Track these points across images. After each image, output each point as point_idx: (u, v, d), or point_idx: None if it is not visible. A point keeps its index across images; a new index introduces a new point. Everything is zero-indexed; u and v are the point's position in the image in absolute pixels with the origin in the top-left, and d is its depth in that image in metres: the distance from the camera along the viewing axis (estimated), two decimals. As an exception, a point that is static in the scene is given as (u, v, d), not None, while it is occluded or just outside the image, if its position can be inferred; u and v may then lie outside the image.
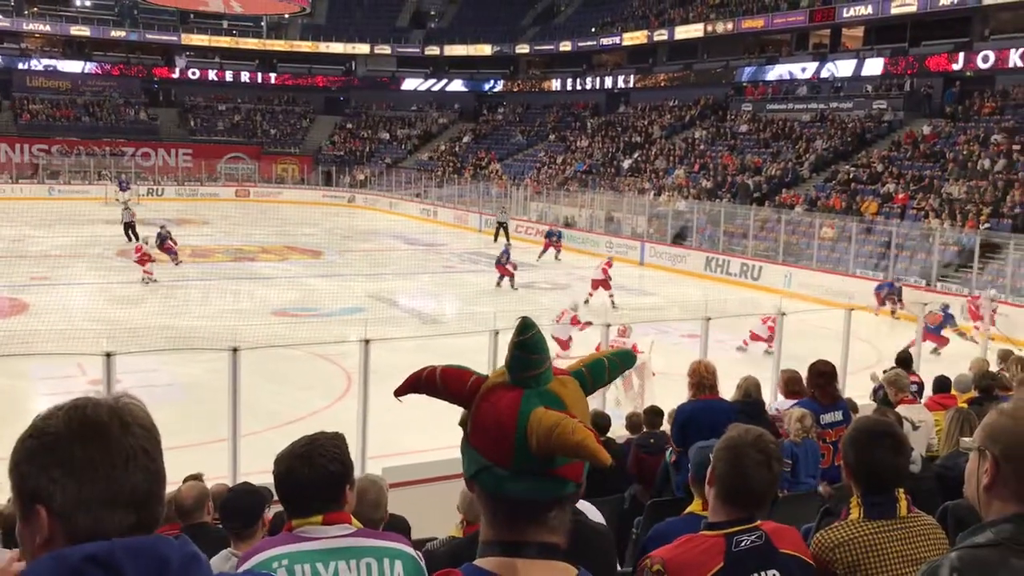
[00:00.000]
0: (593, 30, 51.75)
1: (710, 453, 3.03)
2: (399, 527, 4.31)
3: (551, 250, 29.12)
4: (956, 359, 11.00)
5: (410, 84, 58.94)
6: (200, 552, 1.30)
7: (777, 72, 40.72)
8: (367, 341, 8.51)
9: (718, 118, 41.78)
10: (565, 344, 14.25)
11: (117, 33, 55.03)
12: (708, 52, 45.21)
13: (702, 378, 6.03)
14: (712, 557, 2.40)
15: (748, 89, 41.87)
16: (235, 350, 7.99)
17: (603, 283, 21.29)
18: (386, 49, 58.46)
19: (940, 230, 23.77)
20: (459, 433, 1.44)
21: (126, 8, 56.55)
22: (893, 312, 19.69)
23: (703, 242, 28.96)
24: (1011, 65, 30.87)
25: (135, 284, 21.67)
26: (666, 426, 7.12)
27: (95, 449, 1.24)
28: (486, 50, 56.47)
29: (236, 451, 7.95)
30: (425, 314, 20.24)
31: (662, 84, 46.96)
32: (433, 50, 57.92)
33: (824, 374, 6.50)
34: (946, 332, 16.88)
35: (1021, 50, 30.41)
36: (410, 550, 2.50)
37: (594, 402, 9.18)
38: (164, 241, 25.06)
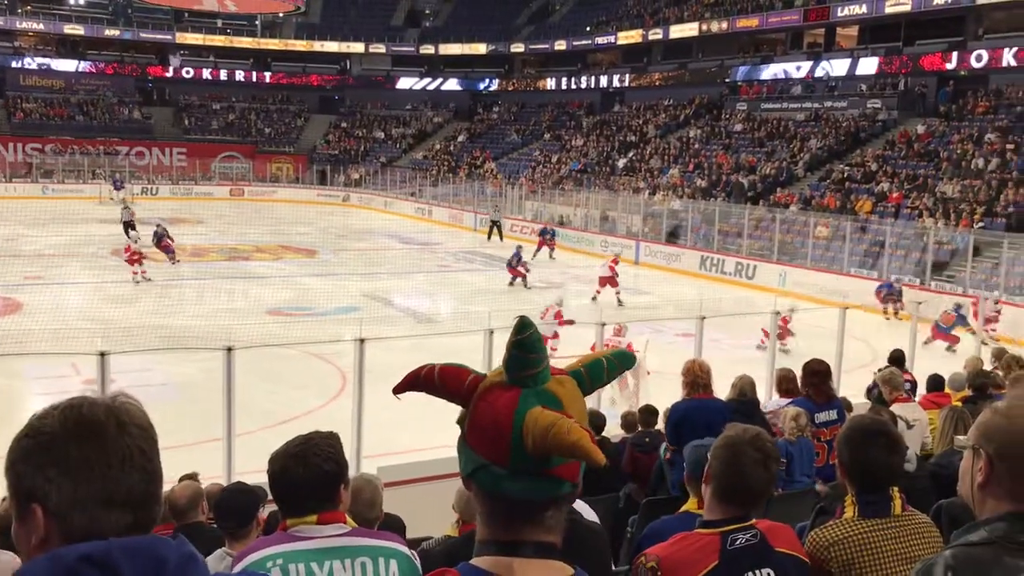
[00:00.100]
0: (588, 29, 51.75)
1: (705, 452, 3.04)
2: (394, 526, 4.31)
3: (545, 248, 29.14)
4: (949, 357, 11.03)
5: (405, 83, 58.89)
6: (197, 552, 1.29)
7: (772, 71, 40.77)
8: (362, 340, 8.50)
9: (713, 117, 41.82)
10: (544, 340, 14.24)
11: (111, 32, 54.92)
12: (703, 51, 45.24)
13: (696, 377, 6.04)
14: (707, 555, 2.40)
15: (743, 88, 41.92)
16: (229, 349, 7.98)
17: (610, 280, 21.43)
18: (381, 48, 58.41)
19: (934, 229, 23.82)
20: (454, 432, 1.44)
21: (120, 7, 56.46)
22: (896, 312, 19.70)
23: (698, 241, 28.99)
24: (1005, 64, 30.94)
25: (129, 283, 21.63)
26: (661, 425, 7.12)
27: (91, 449, 1.24)
28: (481, 49, 56.44)
29: (230, 450, 7.94)
30: (420, 313, 20.23)
31: (657, 83, 46.98)
32: (428, 49, 57.89)
33: (818, 373, 6.51)
34: (956, 331, 17.01)
35: (1015, 49, 30.49)
36: (405, 549, 2.50)
37: (589, 401, 9.13)
38: (161, 239, 25.03)
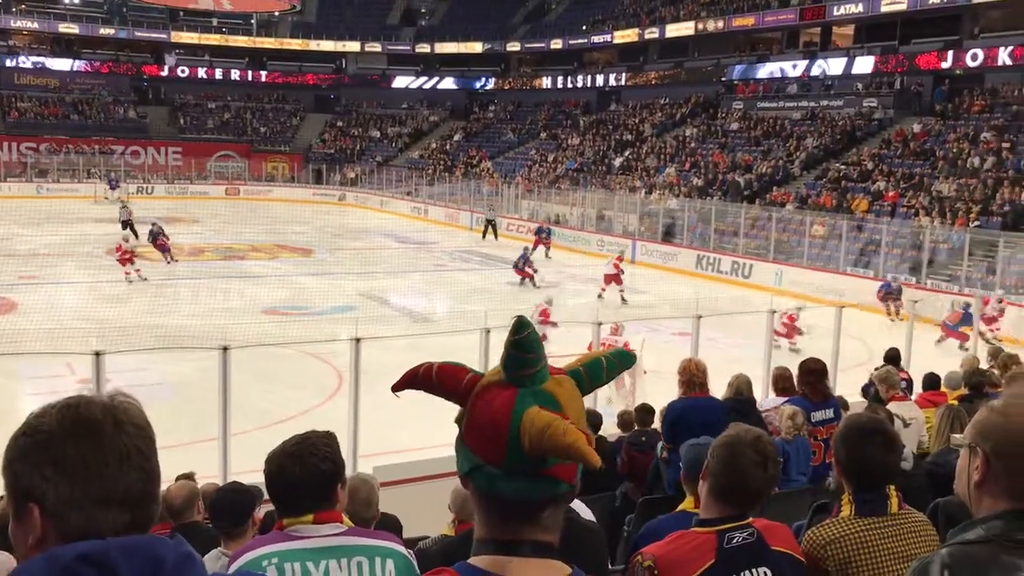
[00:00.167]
0: (584, 28, 51.75)
1: (701, 451, 3.04)
2: (390, 526, 4.31)
3: (541, 247, 29.14)
4: (945, 356, 11.05)
5: (401, 82, 58.86)
6: (195, 552, 1.29)
7: (768, 70, 40.81)
8: (358, 340, 8.50)
9: (709, 116, 41.85)
10: None
11: (106, 31, 54.81)
12: (699, 50, 45.26)
13: (692, 376, 6.04)
14: (703, 554, 2.40)
15: (739, 87, 41.94)
16: (225, 349, 7.97)
17: (615, 278, 21.53)
18: (376, 47, 58.36)
19: (930, 228, 23.86)
20: (450, 432, 1.43)
21: (115, 5, 56.35)
22: (898, 312, 19.70)
23: (694, 240, 29.01)
24: (1000, 63, 31.01)
25: (124, 283, 21.60)
26: (657, 424, 7.13)
27: (88, 447, 1.23)
28: (477, 48, 56.42)
29: (226, 450, 7.93)
30: (416, 312, 20.23)
31: (653, 82, 47.00)
32: (424, 48, 57.87)
33: (814, 372, 6.52)
34: (964, 329, 17.06)
35: (1010, 48, 30.55)
36: (402, 549, 2.50)
37: (586, 400, 9.16)
38: (156, 238, 25.02)
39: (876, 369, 8.32)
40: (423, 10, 62.40)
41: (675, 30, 45.02)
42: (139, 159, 50.64)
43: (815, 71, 38.37)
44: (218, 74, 57.65)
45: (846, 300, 14.82)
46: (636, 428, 7.60)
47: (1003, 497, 1.61)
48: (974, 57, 31.96)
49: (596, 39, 50.22)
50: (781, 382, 7.41)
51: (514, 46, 55.57)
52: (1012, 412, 1.64)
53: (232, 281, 22.70)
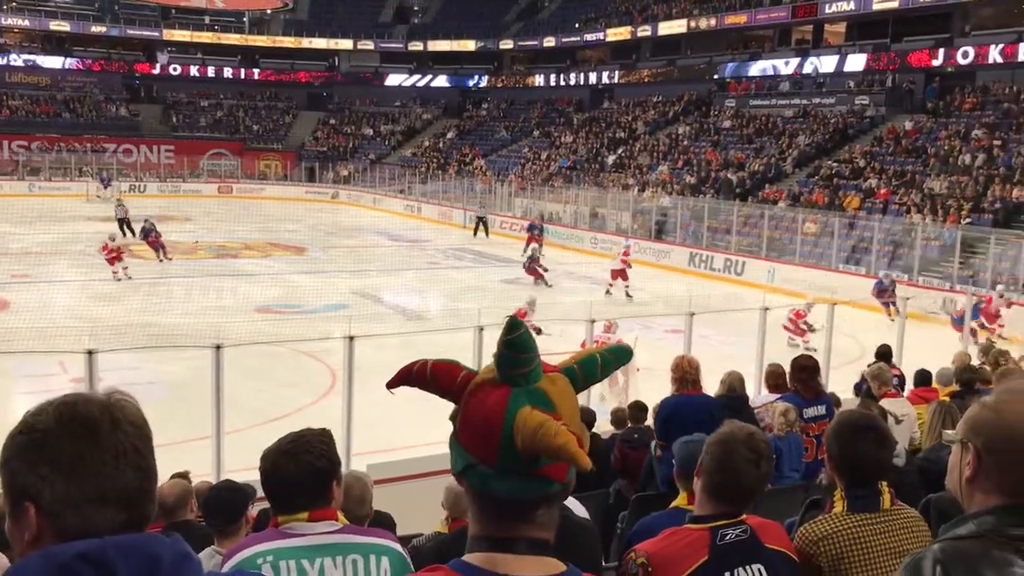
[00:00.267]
0: (577, 26, 51.74)
1: (694, 447, 3.04)
2: (384, 523, 4.30)
3: (533, 244, 29.13)
4: (937, 353, 11.07)
5: (394, 80, 58.79)
6: (192, 551, 1.29)
7: (760, 68, 40.87)
8: (351, 338, 8.49)
9: (701, 114, 41.89)
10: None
11: (98, 28, 54.63)
12: (691, 48, 45.31)
13: (685, 373, 6.05)
14: (696, 550, 2.40)
15: (731, 85, 42.00)
16: (218, 347, 7.96)
17: (621, 273, 21.63)
18: (369, 44, 58.26)
19: (922, 225, 23.93)
20: (443, 429, 1.43)
21: (106, 3, 56.14)
22: (898, 310, 19.67)
23: (687, 238, 29.05)
24: (991, 61, 31.10)
25: (117, 281, 21.53)
26: (650, 421, 7.14)
27: (85, 446, 1.23)
28: (470, 45, 56.37)
29: (219, 448, 7.93)
30: (410, 310, 20.21)
31: (646, 80, 47.03)
32: (416, 45, 57.81)
33: (807, 368, 6.53)
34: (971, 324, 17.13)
35: (1001, 46, 30.65)
36: (396, 546, 2.50)
37: (580, 397, 9.16)
38: (148, 235, 24.95)
39: (868, 366, 8.34)
40: (416, 8, 62.34)
41: (668, 28, 45.05)
42: (131, 157, 50.49)
43: (807, 69, 38.43)
44: (210, 72, 57.50)
45: (838, 297, 14.85)
46: (629, 425, 7.61)
47: (994, 493, 1.61)
48: (965, 55, 32.04)
49: (589, 37, 50.22)
50: (773, 379, 7.43)
51: (507, 44, 55.54)
52: (1003, 408, 1.65)
53: (225, 279, 22.64)
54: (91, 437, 1.24)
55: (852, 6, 35.78)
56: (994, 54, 30.88)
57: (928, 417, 5.83)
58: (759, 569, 2.44)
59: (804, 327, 16.22)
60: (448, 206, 40.00)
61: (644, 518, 3.33)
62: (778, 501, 4.93)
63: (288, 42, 58.03)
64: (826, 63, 37.74)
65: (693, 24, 43.43)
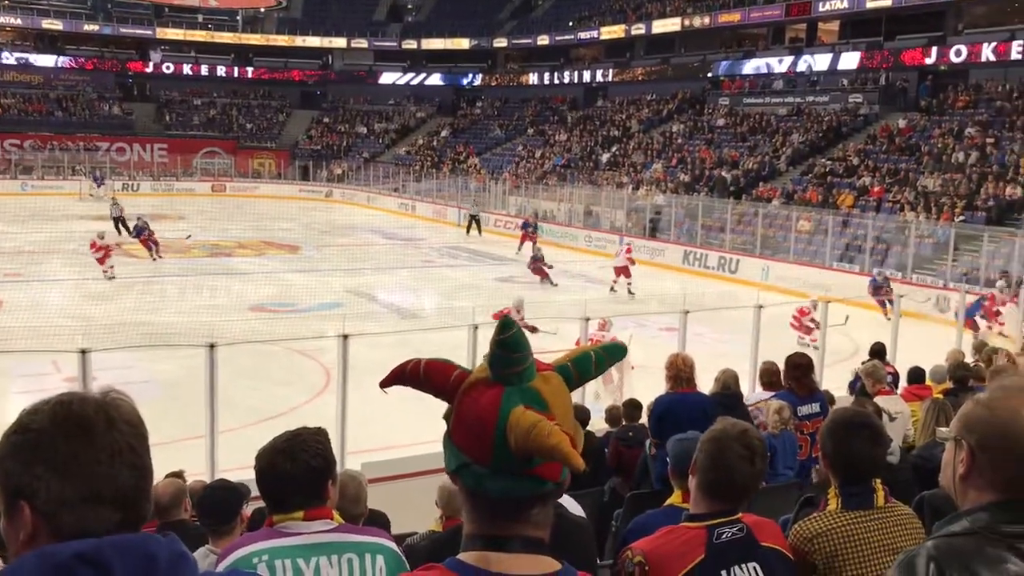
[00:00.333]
0: (571, 24, 51.75)
1: (688, 445, 3.05)
2: (379, 522, 4.30)
3: (527, 242, 29.16)
4: (930, 350, 11.10)
5: (387, 78, 58.73)
6: (187, 550, 1.29)
7: (753, 66, 40.91)
8: (346, 336, 8.48)
9: (695, 112, 41.93)
10: None
11: (90, 27, 54.45)
12: (685, 46, 45.33)
13: (679, 371, 6.05)
14: (693, 549, 2.41)
15: (725, 83, 42.05)
16: (212, 346, 7.95)
17: (624, 270, 21.72)
18: (363, 43, 58.18)
19: (915, 223, 23.98)
20: (437, 428, 1.43)
21: (99, 1, 55.98)
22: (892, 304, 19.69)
23: (681, 236, 29.07)
24: (984, 59, 31.19)
25: (110, 280, 21.48)
26: (645, 419, 7.14)
27: (79, 445, 1.23)
28: (464, 44, 56.33)
29: (213, 447, 7.91)
30: (404, 309, 20.20)
31: (640, 78, 47.05)
32: (410, 44, 57.74)
33: (800, 366, 6.55)
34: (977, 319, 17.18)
35: (993, 44, 30.74)
36: (391, 544, 2.50)
37: (574, 395, 9.15)
38: (141, 232, 24.90)
39: (862, 363, 8.36)
40: (409, 6, 62.28)
41: (661, 26, 45.08)
42: (125, 156, 50.37)
43: (801, 67, 38.48)
44: (204, 70, 57.36)
45: (832, 295, 14.89)
46: (624, 423, 7.62)
47: (988, 489, 1.62)
48: (958, 53, 32.13)
49: (583, 35, 50.22)
50: (767, 376, 7.44)
51: (501, 42, 55.51)
52: (997, 405, 1.66)
53: (218, 278, 22.60)
54: (86, 436, 1.23)
55: (845, 4, 35.84)
56: (987, 52, 30.96)
57: (922, 414, 5.85)
58: (755, 567, 2.44)
59: (811, 324, 16.22)
60: (442, 204, 39.98)
61: (639, 516, 3.33)
62: (772, 499, 4.95)
63: (282, 40, 57.93)
64: (820, 61, 37.79)
65: (687, 22, 43.46)
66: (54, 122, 50.92)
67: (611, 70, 48.57)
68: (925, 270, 22.55)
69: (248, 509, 4.14)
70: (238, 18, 58.72)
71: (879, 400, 6.72)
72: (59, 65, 54.10)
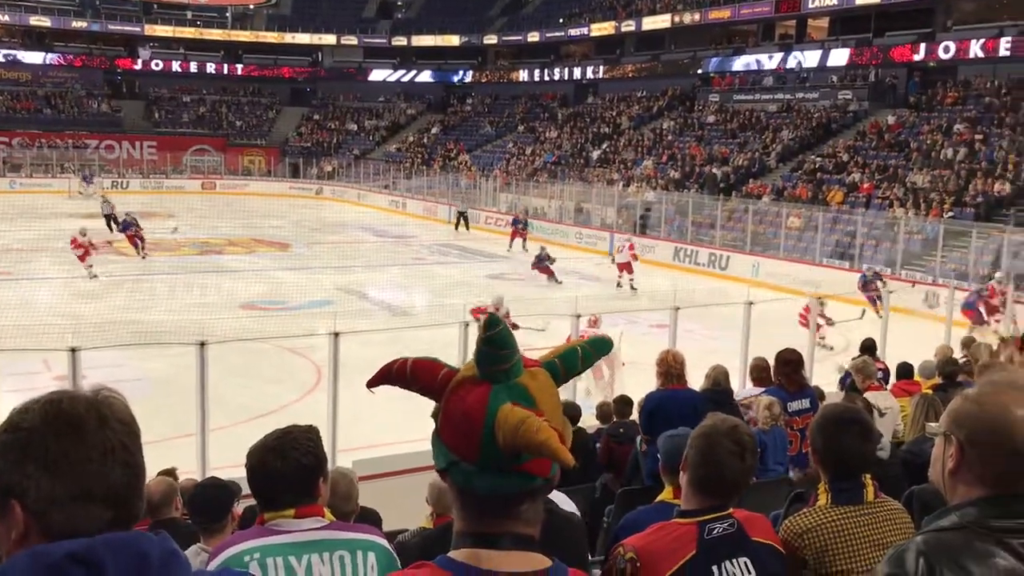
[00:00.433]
0: (561, 21, 51.74)
1: (678, 441, 3.05)
2: (370, 519, 4.30)
3: (518, 239, 29.23)
4: (920, 347, 11.16)
5: (378, 75, 58.62)
6: (180, 549, 1.29)
7: (743, 62, 40.97)
8: (336, 334, 8.47)
9: (686, 109, 41.97)
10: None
11: (78, 24, 54.14)
12: (675, 43, 45.37)
13: (670, 367, 6.07)
14: (684, 544, 2.41)
15: (715, 80, 42.10)
16: (203, 344, 7.93)
17: (627, 266, 22.01)
18: (353, 40, 58.05)
19: (905, 219, 24.05)
20: (428, 426, 1.43)
21: (87, -2, 55.75)
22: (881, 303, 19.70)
23: (671, 232, 29.11)
24: (972, 56, 31.30)
25: (100, 278, 21.39)
26: (636, 415, 7.16)
27: (71, 443, 1.22)
28: (454, 41, 56.27)
29: (204, 445, 7.90)
30: (395, 306, 20.17)
31: (630, 75, 47.08)
32: (400, 41, 57.63)
33: (790, 362, 6.57)
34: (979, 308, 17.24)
35: (982, 41, 30.84)
36: (383, 542, 2.50)
37: (565, 392, 9.15)
38: (128, 228, 24.79)
39: (852, 359, 8.39)
40: (399, 3, 62.14)
41: (651, 23, 45.10)
42: (113, 153, 50.15)
43: (790, 63, 38.56)
44: (193, 67, 57.16)
45: (822, 291, 14.93)
46: (615, 420, 7.63)
47: (977, 484, 1.63)
48: (947, 50, 32.24)
49: (573, 32, 50.22)
50: (757, 372, 7.47)
51: (491, 39, 55.46)
52: (985, 400, 1.66)
53: (209, 276, 22.54)
54: (76, 435, 1.23)
55: (835, 1, 35.92)
56: (975, 49, 31.07)
57: (911, 410, 5.88)
58: (746, 562, 2.45)
59: (820, 322, 16.25)
60: (433, 201, 39.94)
61: (630, 512, 3.34)
62: (763, 494, 4.96)
63: (271, 37, 57.75)
64: (809, 58, 37.87)
65: (677, 19, 43.49)
66: (42, 119, 50.65)
67: (601, 67, 48.58)
68: (914, 266, 22.63)
69: (239, 507, 4.14)
70: (227, 15, 58.49)
71: (869, 396, 6.75)
72: (47, 62, 53.81)
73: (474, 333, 8.77)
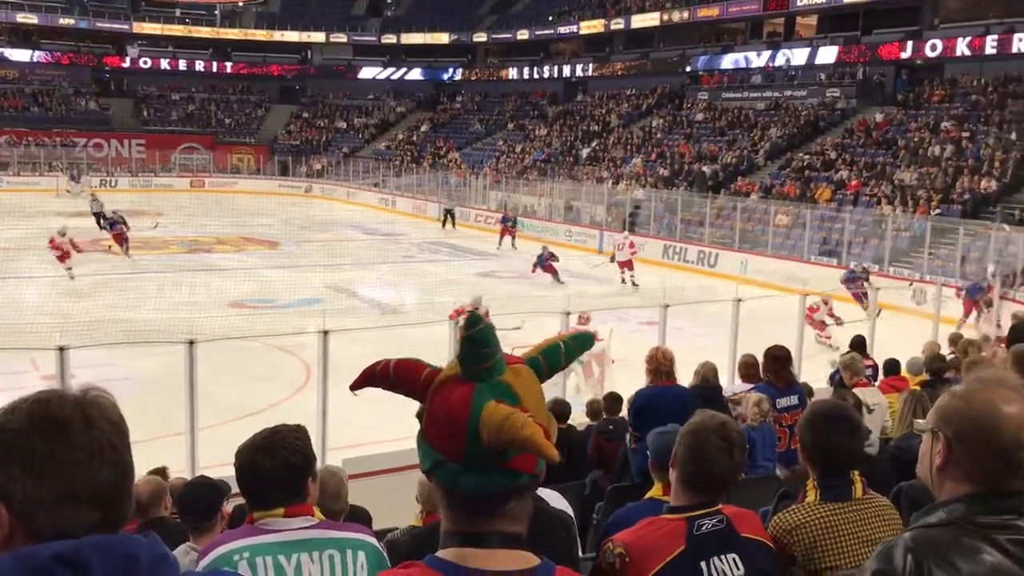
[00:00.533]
0: (550, 19, 51.73)
1: (667, 438, 3.06)
2: (360, 518, 4.30)
3: (507, 237, 29.24)
4: (909, 343, 11.21)
5: (367, 73, 58.49)
6: (169, 551, 1.28)
7: (732, 60, 41.03)
8: (326, 332, 8.46)
9: (674, 106, 42.03)
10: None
11: (66, 21, 53.82)
12: (664, 41, 45.41)
13: (659, 364, 6.07)
14: (673, 540, 2.42)
15: (704, 78, 42.16)
16: (191, 343, 7.91)
17: (628, 263, 22.30)
18: (342, 37, 57.91)
19: (892, 216, 24.15)
20: (416, 423, 1.43)
21: (75, -5, 55.45)
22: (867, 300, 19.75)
23: (660, 230, 29.16)
24: (959, 53, 31.43)
25: (88, 277, 21.30)
26: (626, 412, 7.17)
27: (57, 444, 1.21)
28: (443, 38, 56.19)
29: (194, 444, 7.88)
30: (385, 304, 20.14)
31: (619, 73, 47.11)
32: (390, 38, 57.51)
33: (779, 359, 6.58)
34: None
35: (968, 39, 30.97)
36: (372, 540, 2.50)
37: (555, 389, 9.21)
38: (114, 226, 24.65)
39: (841, 355, 8.43)
40: (389, 1, 62.01)
41: (640, 21, 45.14)
42: (102, 152, 49.90)
43: (779, 61, 38.65)
44: (182, 65, 56.91)
45: (810, 288, 14.97)
46: (605, 416, 7.64)
47: (964, 481, 1.63)
48: (933, 48, 32.37)
49: (562, 30, 50.22)
50: (746, 369, 7.49)
51: (481, 37, 55.41)
52: (973, 397, 1.67)
53: (198, 274, 22.45)
54: (63, 435, 1.22)
55: (823, -1, 36.05)
56: (962, 47, 31.20)
57: (899, 406, 5.90)
58: (734, 558, 2.46)
59: (829, 321, 16.29)
60: (423, 199, 39.89)
61: (620, 509, 3.34)
62: (752, 490, 4.97)
63: (260, 35, 57.56)
64: (797, 56, 37.96)
65: (666, 17, 43.54)
66: (30, 117, 50.35)
67: (591, 65, 48.60)
68: (901, 263, 22.73)
69: (229, 506, 4.13)
70: (216, 13, 58.27)
71: (857, 392, 6.77)
72: (34, 60, 53.50)
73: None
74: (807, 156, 31.54)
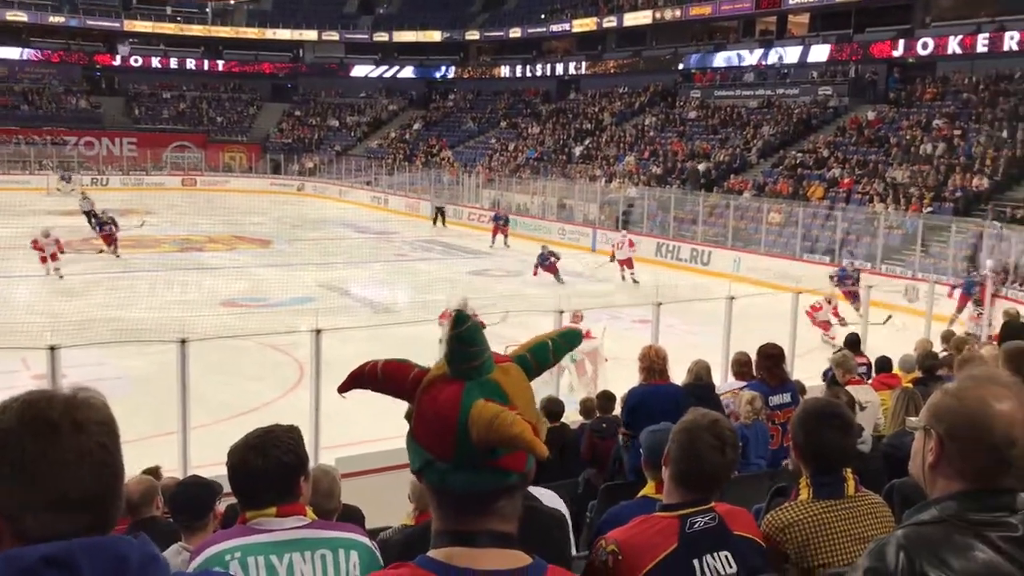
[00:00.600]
0: (542, 17, 51.72)
1: (660, 436, 3.06)
2: (353, 517, 4.29)
3: (499, 235, 29.24)
4: (901, 341, 11.25)
5: (359, 71, 58.41)
6: (159, 553, 1.27)
7: (724, 58, 41.06)
8: (318, 331, 8.44)
9: (667, 105, 42.06)
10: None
11: (56, 19, 53.55)
12: (656, 39, 45.44)
13: (652, 363, 6.07)
14: (666, 538, 2.42)
15: (696, 76, 42.20)
16: (183, 342, 7.89)
17: (627, 261, 22.44)
18: (334, 35, 57.81)
19: (884, 214, 24.21)
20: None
21: (65, -7, 55.21)
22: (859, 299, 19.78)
23: (653, 228, 29.18)
24: (950, 52, 31.51)
25: (79, 276, 21.23)
26: (619, 410, 7.17)
27: (46, 445, 1.21)
28: (436, 36, 56.14)
29: (186, 444, 7.86)
30: (377, 303, 20.11)
31: (612, 71, 47.14)
32: (382, 36, 57.43)
33: (772, 356, 6.60)
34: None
35: (960, 37, 31.06)
36: (365, 540, 2.49)
37: (548, 388, 9.21)
38: (103, 227, 24.56)
39: (834, 353, 8.45)
40: (381, -2, 61.96)
41: (633, 19, 45.16)
42: (93, 150, 49.70)
43: (771, 59, 38.70)
44: (173, 63, 56.73)
45: (802, 286, 14.98)
46: (598, 415, 7.64)
47: (956, 478, 1.64)
48: (925, 46, 32.44)
49: (555, 28, 50.22)
50: (739, 367, 7.50)
51: (473, 35, 55.37)
52: (965, 395, 1.67)
53: (189, 273, 22.42)
54: (52, 436, 1.21)
55: (815, -3, 36.11)
56: (953, 45, 31.28)
57: (892, 403, 5.92)
58: (727, 556, 2.46)
59: (834, 320, 16.30)
60: (415, 198, 39.84)
61: (613, 507, 3.34)
62: (744, 488, 4.97)
63: (252, 33, 57.40)
64: (790, 54, 38.02)
65: (658, 15, 43.56)
66: (20, 116, 50.13)
67: (583, 63, 48.61)
68: (894, 260, 22.78)
69: (221, 505, 4.12)
70: (208, 11, 58.07)
71: (849, 389, 6.78)
72: (24, 58, 53.26)
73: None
74: (800, 154, 31.60)
